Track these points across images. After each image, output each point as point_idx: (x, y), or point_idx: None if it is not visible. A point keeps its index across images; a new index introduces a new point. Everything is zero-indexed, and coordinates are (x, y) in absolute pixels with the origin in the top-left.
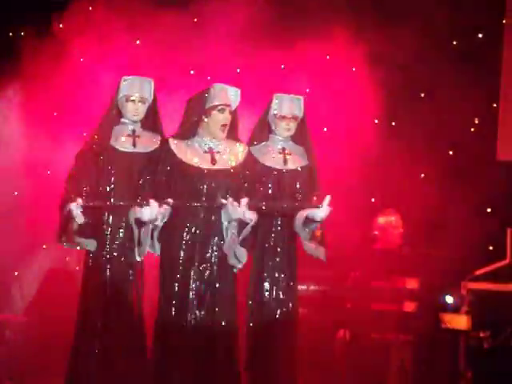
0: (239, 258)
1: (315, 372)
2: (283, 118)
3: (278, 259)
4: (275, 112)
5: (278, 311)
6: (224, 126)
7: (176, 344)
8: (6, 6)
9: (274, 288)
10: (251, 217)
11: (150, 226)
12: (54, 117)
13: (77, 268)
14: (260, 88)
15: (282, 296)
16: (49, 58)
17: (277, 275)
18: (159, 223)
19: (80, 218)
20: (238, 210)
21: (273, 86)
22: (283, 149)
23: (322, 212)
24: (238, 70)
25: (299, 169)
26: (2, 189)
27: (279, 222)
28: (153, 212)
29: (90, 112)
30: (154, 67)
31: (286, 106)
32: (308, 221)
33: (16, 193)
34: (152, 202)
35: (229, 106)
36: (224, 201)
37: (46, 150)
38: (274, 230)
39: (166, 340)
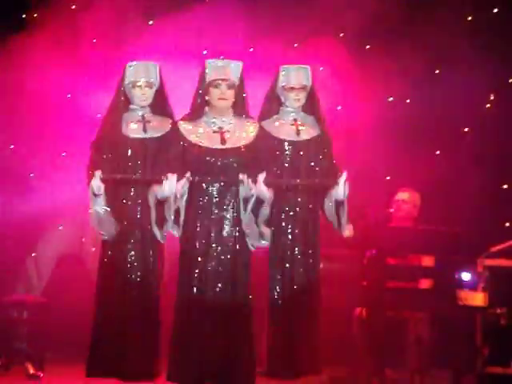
0: (265, 238)
1: (332, 349)
2: (292, 88)
3: (297, 231)
4: (283, 84)
5: (301, 279)
6: (221, 99)
7: (194, 318)
8: None
9: (295, 257)
10: (268, 194)
11: (173, 207)
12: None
13: (93, 249)
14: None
15: (303, 265)
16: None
17: (296, 247)
18: (182, 203)
19: (99, 189)
20: (256, 187)
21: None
22: (295, 120)
23: (342, 191)
24: (252, 49)
25: (313, 138)
26: (19, 172)
27: (298, 199)
28: (172, 185)
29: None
30: (166, 49)
31: (294, 77)
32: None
33: (32, 174)
34: (170, 175)
35: (225, 80)
36: (241, 176)
37: (59, 134)
38: (292, 203)
39: (185, 314)
